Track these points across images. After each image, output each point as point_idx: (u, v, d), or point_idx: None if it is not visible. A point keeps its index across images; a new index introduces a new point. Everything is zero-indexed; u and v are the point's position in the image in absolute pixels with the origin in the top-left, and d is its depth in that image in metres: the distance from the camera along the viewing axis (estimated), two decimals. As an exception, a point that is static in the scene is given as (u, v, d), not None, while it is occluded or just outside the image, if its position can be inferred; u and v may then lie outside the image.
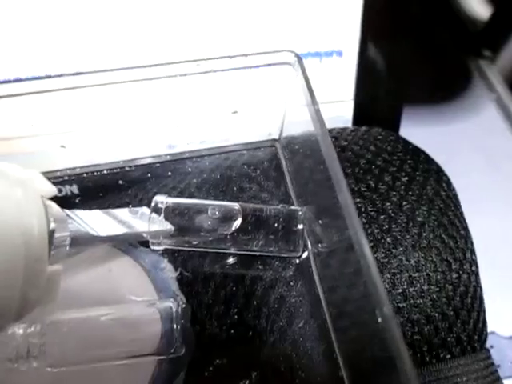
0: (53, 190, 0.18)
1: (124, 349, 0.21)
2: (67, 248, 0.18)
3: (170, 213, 0.22)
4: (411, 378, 0.15)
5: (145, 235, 0.22)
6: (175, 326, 0.21)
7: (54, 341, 0.20)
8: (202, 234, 0.22)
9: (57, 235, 0.17)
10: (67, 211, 0.19)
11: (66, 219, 0.19)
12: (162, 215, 0.22)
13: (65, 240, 0.18)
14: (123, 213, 0.22)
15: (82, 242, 0.20)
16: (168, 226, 0.22)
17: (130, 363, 0.21)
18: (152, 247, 0.23)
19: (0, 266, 0.14)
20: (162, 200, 0.22)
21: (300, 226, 0.23)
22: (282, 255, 0.23)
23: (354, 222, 0.18)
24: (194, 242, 0.23)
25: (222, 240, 0.22)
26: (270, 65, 0.22)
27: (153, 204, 0.22)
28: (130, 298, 0.22)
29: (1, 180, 0.15)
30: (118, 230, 0.21)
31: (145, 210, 0.22)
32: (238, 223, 0.22)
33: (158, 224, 0.22)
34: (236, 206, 0.23)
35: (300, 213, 0.23)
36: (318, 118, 0.20)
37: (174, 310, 0.21)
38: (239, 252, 0.23)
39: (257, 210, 0.23)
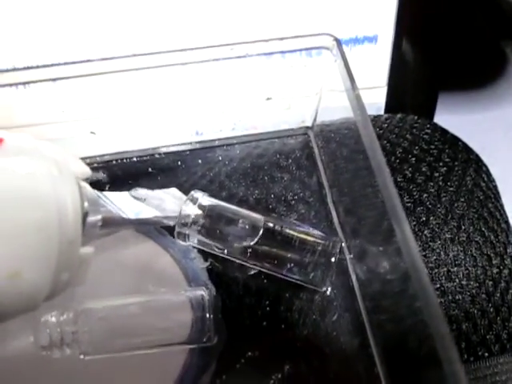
0: (87, 171, 0.18)
1: (155, 337, 0.20)
2: (98, 230, 0.18)
3: (203, 209, 0.21)
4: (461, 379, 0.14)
5: (173, 223, 0.21)
6: (206, 315, 0.21)
7: (86, 329, 0.19)
8: (229, 239, 0.21)
9: (90, 218, 0.17)
10: (99, 193, 0.19)
11: (98, 201, 0.18)
12: (196, 207, 0.21)
13: (97, 221, 0.18)
14: (154, 194, 0.21)
15: (112, 224, 0.19)
16: (199, 212, 0.21)
17: (161, 352, 0.20)
18: (178, 239, 0.22)
19: (35, 242, 0.13)
20: (198, 196, 0.21)
21: (333, 260, 0.21)
22: (304, 284, 0.21)
23: (397, 211, 0.17)
24: (218, 246, 0.22)
25: (245, 251, 0.21)
26: (306, 49, 0.21)
27: (189, 196, 0.21)
28: (161, 286, 0.22)
29: (38, 159, 0.15)
30: (149, 213, 0.20)
31: (174, 191, 0.21)
32: (258, 236, 0.21)
33: (190, 210, 0.21)
34: (261, 220, 0.21)
35: (341, 244, 0.21)
36: (358, 103, 0.19)
37: (204, 299, 0.21)
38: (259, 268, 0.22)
39: (292, 230, 0.21)
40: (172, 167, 0.25)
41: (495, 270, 0.23)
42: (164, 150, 0.25)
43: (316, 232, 0.21)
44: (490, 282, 0.23)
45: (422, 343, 0.17)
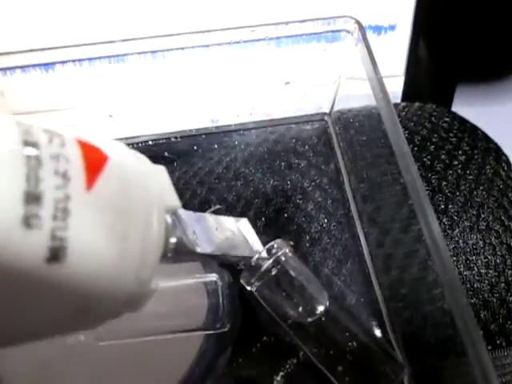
0: (178, 205, 0.14)
1: (170, 322, 0.20)
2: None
3: (277, 265, 0.19)
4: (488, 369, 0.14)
5: (240, 263, 0.19)
6: (221, 300, 0.21)
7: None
8: (285, 307, 0.19)
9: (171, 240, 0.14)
10: (181, 212, 0.15)
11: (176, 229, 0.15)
12: (271, 260, 0.18)
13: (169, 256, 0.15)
14: (224, 223, 0.18)
15: (181, 255, 0.15)
16: (270, 267, 0.18)
17: (177, 338, 0.20)
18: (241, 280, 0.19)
19: (108, 280, 0.11)
20: (278, 250, 0.19)
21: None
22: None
23: (421, 197, 0.17)
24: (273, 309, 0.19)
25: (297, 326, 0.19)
26: (327, 32, 0.21)
27: (270, 245, 0.19)
28: (176, 271, 0.22)
29: (137, 163, 0.13)
30: (218, 248, 0.17)
31: (245, 223, 0.18)
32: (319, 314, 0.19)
33: (264, 259, 0.18)
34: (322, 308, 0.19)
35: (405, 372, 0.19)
36: (381, 88, 0.19)
37: (220, 284, 0.21)
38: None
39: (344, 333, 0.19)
40: (188, 152, 0.25)
41: (515, 260, 0.23)
42: (180, 134, 0.25)
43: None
44: (510, 271, 0.22)
45: (443, 329, 0.17)
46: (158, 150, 0.25)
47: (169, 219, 0.13)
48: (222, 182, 0.24)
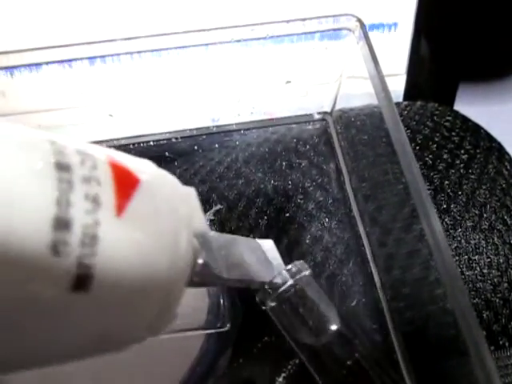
0: (205, 228, 0.14)
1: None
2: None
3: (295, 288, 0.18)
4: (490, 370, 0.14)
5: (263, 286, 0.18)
6: (222, 299, 0.21)
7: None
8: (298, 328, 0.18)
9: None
10: (209, 235, 0.14)
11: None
12: (290, 281, 0.18)
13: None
14: (250, 246, 0.17)
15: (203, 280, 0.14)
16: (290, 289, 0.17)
17: (178, 338, 0.20)
18: (257, 299, 0.18)
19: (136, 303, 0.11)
20: (299, 273, 0.18)
21: None
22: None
23: (423, 197, 0.17)
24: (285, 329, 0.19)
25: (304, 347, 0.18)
26: (328, 30, 0.21)
27: (292, 266, 0.18)
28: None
29: (166, 185, 0.12)
30: (244, 273, 0.16)
31: (271, 246, 0.18)
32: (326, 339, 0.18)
33: (283, 281, 0.17)
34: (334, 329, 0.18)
35: None
36: (382, 87, 0.18)
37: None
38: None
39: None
40: (189, 152, 0.25)
41: (517, 259, 0.22)
42: (181, 134, 0.25)
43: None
44: (513, 271, 0.22)
45: (445, 329, 0.17)
46: (158, 150, 0.25)
47: (196, 243, 0.13)
48: (223, 181, 0.24)
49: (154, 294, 0.11)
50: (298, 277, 0.18)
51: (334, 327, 0.18)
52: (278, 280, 0.17)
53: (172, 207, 0.12)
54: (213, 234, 0.14)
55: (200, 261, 0.13)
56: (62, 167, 0.10)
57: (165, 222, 0.11)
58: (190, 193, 0.13)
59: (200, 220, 0.13)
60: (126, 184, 0.11)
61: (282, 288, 0.17)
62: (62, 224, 0.09)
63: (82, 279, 0.09)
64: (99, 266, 0.09)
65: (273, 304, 0.18)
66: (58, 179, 0.09)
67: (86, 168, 0.10)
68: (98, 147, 0.11)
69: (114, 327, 0.11)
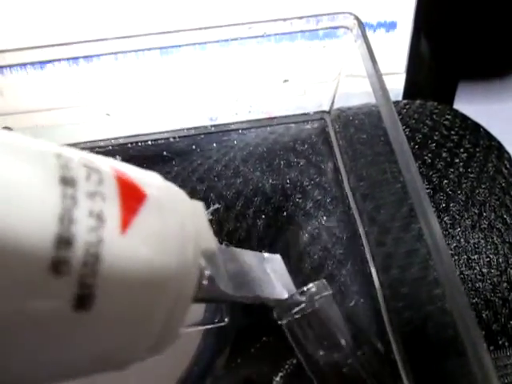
0: (213, 247, 0.13)
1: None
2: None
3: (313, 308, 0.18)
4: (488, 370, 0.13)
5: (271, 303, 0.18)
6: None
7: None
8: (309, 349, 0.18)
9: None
10: (216, 251, 0.14)
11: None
12: (304, 303, 0.18)
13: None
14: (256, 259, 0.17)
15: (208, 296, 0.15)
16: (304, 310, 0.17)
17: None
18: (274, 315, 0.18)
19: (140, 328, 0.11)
20: (319, 293, 0.18)
21: None
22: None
23: (421, 196, 0.16)
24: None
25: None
26: (326, 28, 0.21)
27: (309, 287, 0.18)
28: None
29: (173, 199, 0.12)
30: (251, 290, 0.16)
31: (278, 260, 0.18)
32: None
33: (298, 301, 0.18)
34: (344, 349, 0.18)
35: None
36: (380, 85, 0.18)
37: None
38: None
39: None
40: (187, 151, 0.25)
41: (517, 259, 0.22)
42: (179, 133, 0.25)
43: None
44: (512, 271, 0.22)
45: (443, 329, 0.17)
46: (156, 150, 0.25)
47: (203, 261, 0.12)
48: (221, 180, 0.24)
49: (157, 313, 0.11)
50: (317, 297, 0.18)
51: (345, 346, 0.18)
52: (297, 298, 0.17)
53: (179, 222, 0.11)
54: (220, 247, 0.14)
55: (206, 277, 0.13)
56: (67, 182, 0.09)
57: (171, 238, 0.11)
58: (197, 206, 0.13)
59: (207, 235, 0.13)
60: (132, 199, 0.10)
61: (299, 307, 0.17)
62: (63, 242, 0.09)
63: (84, 299, 0.09)
64: (101, 285, 0.09)
65: (289, 320, 0.18)
66: (61, 195, 0.09)
67: (92, 183, 0.10)
68: (105, 159, 0.11)
69: (115, 347, 0.10)
